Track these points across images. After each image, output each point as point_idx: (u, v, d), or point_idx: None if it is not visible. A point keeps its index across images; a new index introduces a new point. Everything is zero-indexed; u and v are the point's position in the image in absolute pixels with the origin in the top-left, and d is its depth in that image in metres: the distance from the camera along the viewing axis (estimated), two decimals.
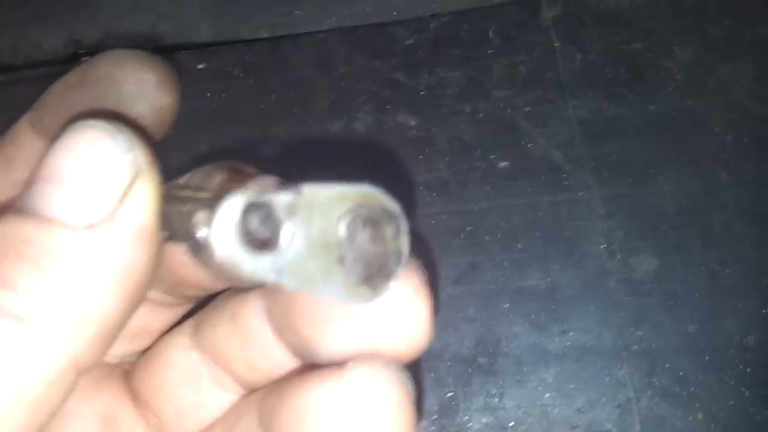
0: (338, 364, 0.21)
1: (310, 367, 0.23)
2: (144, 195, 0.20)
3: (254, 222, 0.20)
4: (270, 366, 0.26)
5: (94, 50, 0.48)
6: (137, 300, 0.21)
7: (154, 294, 0.28)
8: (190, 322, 0.29)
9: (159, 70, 0.27)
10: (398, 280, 0.22)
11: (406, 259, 0.22)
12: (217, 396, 0.28)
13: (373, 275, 0.21)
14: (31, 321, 0.18)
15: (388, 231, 0.21)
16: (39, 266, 0.19)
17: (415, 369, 0.22)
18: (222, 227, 0.19)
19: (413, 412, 0.21)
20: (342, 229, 0.20)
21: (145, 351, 0.30)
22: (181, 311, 0.30)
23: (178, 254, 0.23)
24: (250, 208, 0.19)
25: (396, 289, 0.22)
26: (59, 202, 0.19)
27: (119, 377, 0.29)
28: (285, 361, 0.25)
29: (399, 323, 0.22)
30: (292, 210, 0.20)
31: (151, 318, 0.29)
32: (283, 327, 0.24)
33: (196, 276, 0.25)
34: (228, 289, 0.27)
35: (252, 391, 0.27)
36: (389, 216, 0.21)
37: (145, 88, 0.26)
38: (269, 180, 0.22)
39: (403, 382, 0.21)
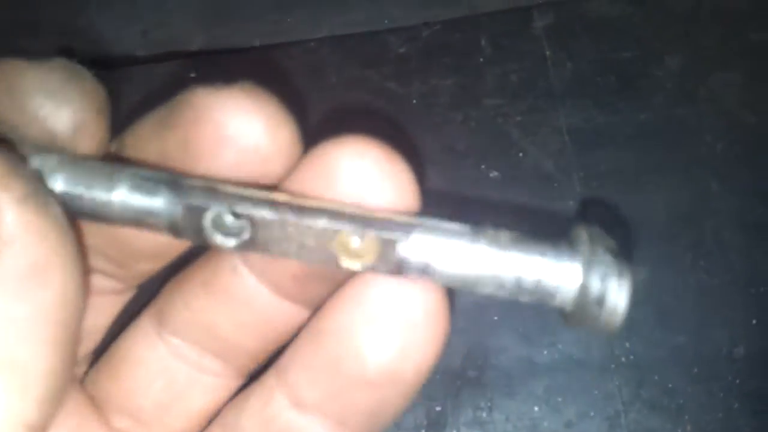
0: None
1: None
2: (13, 221, 0.17)
3: None
4: (259, 316, 0.24)
5: (86, 58, 0.48)
6: (71, 339, 0.19)
7: (97, 281, 0.25)
8: (145, 317, 0.27)
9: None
10: None
11: None
12: (195, 382, 0.27)
13: None
14: None
15: None
16: None
17: None
18: None
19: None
20: None
21: (101, 357, 0.28)
22: (126, 297, 0.28)
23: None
24: None
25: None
26: None
27: (78, 391, 0.27)
28: (274, 304, 0.24)
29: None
30: None
31: (95, 313, 0.26)
32: (268, 269, 0.24)
33: (151, 242, 0.23)
34: (181, 267, 0.26)
35: (238, 358, 0.26)
36: None
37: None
38: None
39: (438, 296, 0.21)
